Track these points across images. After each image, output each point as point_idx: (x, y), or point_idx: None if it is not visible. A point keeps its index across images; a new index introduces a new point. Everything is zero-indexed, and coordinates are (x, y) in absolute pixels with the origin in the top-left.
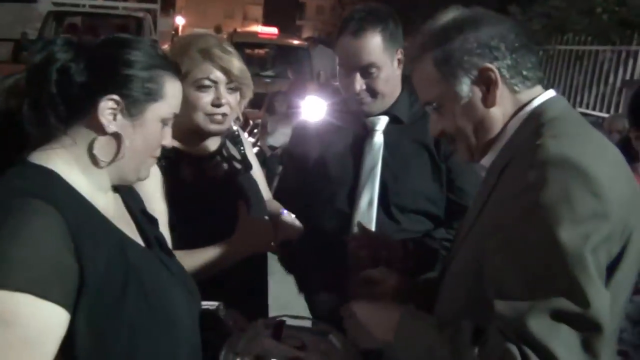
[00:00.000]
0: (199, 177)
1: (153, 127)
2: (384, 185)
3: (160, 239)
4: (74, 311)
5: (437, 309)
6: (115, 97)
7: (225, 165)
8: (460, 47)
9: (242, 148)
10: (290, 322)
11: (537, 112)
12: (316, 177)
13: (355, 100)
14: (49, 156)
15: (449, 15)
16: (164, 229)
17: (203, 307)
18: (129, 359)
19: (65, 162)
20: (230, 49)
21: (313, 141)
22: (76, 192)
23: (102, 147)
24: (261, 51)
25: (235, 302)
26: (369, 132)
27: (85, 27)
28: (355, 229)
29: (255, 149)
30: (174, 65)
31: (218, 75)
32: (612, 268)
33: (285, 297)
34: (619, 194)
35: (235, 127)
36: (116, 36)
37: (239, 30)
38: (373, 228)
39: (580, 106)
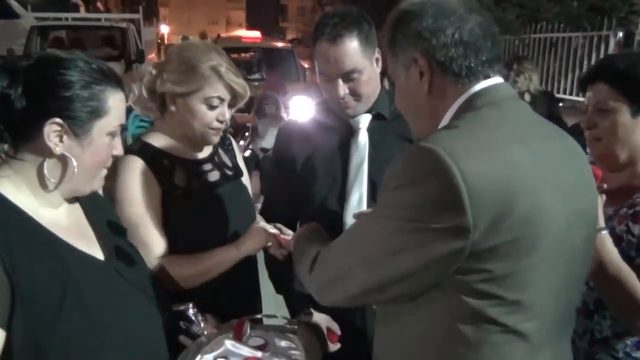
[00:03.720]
0: (192, 182)
1: (101, 143)
2: (372, 182)
3: (121, 248)
4: (9, 326)
5: None
6: (59, 120)
7: (217, 172)
8: (403, 33)
9: (233, 155)
10: (266, 320)
11: (471, 99)
12: (304, 179)
13: (339, 105)
14: None
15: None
16: (145, 232)
17: (174, 309)
18: None
19: (14, 184)
20: (232, 64)
21: (298, 143)
22: (14, 207)
23: (51, 168)
24: (246, 55)
25: (228, 303)
26: (353, 131)
27: (70, 41)
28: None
29: (248, 152)
30: (114, 77)
31: (226, 94)
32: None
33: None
34: (492, 194)
35: (227, 135)
36: (48, 55)
37: (222, 35)
38: None
39: (558, 92)
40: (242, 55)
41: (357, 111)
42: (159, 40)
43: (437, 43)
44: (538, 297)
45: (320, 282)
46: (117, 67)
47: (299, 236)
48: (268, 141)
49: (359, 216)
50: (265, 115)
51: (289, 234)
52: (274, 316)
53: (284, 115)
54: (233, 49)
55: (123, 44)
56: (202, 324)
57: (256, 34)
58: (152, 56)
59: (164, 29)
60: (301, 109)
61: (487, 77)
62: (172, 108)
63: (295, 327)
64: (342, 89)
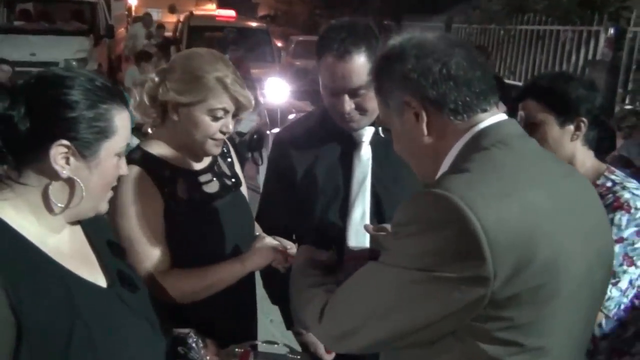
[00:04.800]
0: (193, 194)
1: (109, 164)
2: (376, 197)
3: (123, 273)
4: None
5: None
6: (65, 142)
7: (217, 183)
8: (388, 78)
9: (232, 163)
10: (265, 348)
11: (477, 138)
12: (305, 192)
13: (343, 119)
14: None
15: (391, 42)
16: (147, 244)
17: (175, 334)
18: None
19: (16, 208)
20: (238, 75)
21: (298, 153)
22: (20, 238)
23: (57, 191)
24: (220, 34)
25: (225, 319)
26: (356, 144)
27: (37, 14)
28: (350, 243)
29: None
30: (119, 94)
31: (231, 105)
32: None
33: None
34: (513, 242)
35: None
36: (49, 73)
37: (195, 13)
38: (367, 241)
39: None
40: (216, 34)
41: (361, 125)
42: (126, 12)
43: (426, 82)
44: (558, 341)
45: (331, 335)
46: (85, 42)
47: (298, 272)
48: (244, 125)
49: (375, 231)
50: None
51: (290, 247)
52: (275, 343)
53: (261, 99)
54: (207, 27)
55: (92, 18)
56: (202, 351)
57: (230, 12)
58: (121, 30)
59: (132, 1)
60: (276, 91)
61: (484, 110)
62: (175, 117)
63: (298, 357)
64: (349, 104)
